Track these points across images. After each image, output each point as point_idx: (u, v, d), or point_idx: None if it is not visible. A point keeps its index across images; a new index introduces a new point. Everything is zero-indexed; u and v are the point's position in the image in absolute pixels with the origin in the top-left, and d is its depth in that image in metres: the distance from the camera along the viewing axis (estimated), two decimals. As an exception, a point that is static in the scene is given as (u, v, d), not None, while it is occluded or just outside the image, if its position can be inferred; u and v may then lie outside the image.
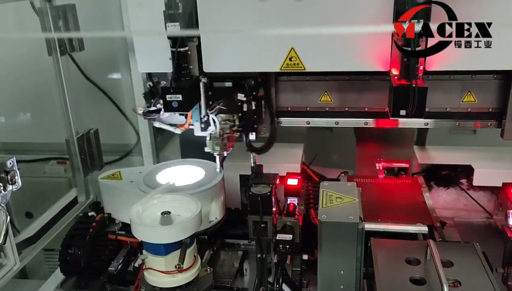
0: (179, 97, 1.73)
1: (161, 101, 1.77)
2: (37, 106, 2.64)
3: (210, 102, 1.92)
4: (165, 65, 1.82)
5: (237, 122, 1.93)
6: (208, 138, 1.91)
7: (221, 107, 1.89)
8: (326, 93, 1.99)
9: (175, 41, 1.71)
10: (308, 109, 2.04)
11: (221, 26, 1.74)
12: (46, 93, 2.44)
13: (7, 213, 1.32)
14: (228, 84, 1.89)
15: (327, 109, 2.01)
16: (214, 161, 2.01)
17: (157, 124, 1.95)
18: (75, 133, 2.27)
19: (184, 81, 1.78)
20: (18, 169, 1.38)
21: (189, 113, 1.92)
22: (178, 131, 1.99)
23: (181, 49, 1.73)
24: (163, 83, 1.80)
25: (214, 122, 1.87)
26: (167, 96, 1.73)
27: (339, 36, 1.70)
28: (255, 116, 1.95)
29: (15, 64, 2.58)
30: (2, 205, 1.30)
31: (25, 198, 2.48)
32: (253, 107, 1.92)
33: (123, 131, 2.76)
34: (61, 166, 2.77)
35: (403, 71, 1.64)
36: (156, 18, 1.72)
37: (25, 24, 2.49)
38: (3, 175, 1.29)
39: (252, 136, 1.99)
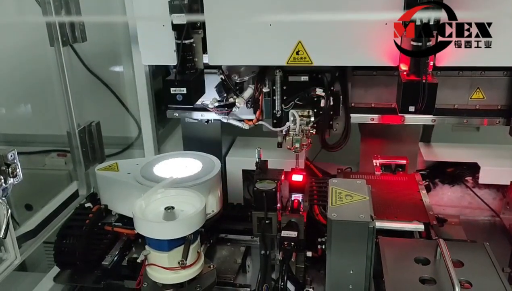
0: (184, 90, 1.71)
1: (234, 95, 1.78)
2: (38, 98, 2.61)
3: (285, 97, 1.89)
4: (169, 58, 1.79)
5: (312, 118, 1.88)
6: (282, 134, 1.88)
7: (297, 102, 1.85)
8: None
9: (180, 33, 1.68)
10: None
11: (227, 18, 1.71)
12: (48, 84, 2.41)
13: (8, 207, 1.29)
14: (304, 78, 1.85)
15: (332, 104, 1.99)
16: (214, 154, 1.99)
17: (224, 119, 1.92)
18: (76, 125, 2.24)
19: (189, 74, 1.75)
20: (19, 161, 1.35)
21: (259, 108, 1.90)
22: (246, 126, 1.96)
23: (186, 42, 1.70)
24: (234, 77, 1.80)
25: (294, 118, 1.81)
26: (171, 89, 1.70)
27: (347, 30, 1.67)
28: (331, 112, 1.91)
29: (16, 55, 2.54)
30: (3, 198, 1.27)
31: (25, 190, 2.46)
32: (331, 103, 1.88)
33: (124, 124, 2.73)
34: (61, 159, 2.75)
35: (412, 66, 1.61)
36: (161, 9, 1.69)
37: (26, 14, 2.46)
38: (4, 168, 1.26)
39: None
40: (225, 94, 1.88)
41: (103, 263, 1.78)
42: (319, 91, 1.84)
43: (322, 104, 1.86)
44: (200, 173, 1.86)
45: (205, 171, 1.86)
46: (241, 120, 1.99)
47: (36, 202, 2.49)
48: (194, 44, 1.74)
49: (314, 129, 1.92)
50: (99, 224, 1.91)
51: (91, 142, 2.32)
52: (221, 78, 1.74)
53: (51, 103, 2.41)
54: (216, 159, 1.95)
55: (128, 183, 1.83)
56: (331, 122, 1.96)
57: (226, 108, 1.75)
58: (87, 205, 1.99)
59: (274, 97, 1.91)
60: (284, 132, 1.93)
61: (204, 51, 1.79)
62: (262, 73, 1.89)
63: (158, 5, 1.71)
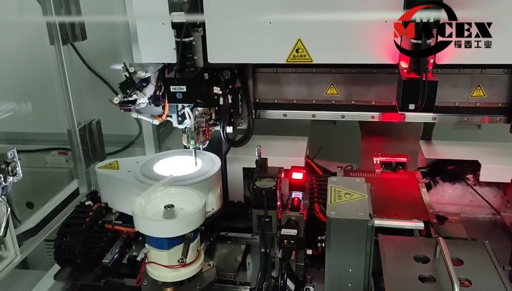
0: (183, 88, 1.70)
1: (138, 91, 1.74)
2: (39, 96, 2.60)
3: None
4: (169, 56, 1.79)
5: (214, 116, 1.90)
6: (183, 131, 1.89)
7: (197, 101, 1.85)
8: (332, 86, 1.97)
9: (180, 31, 1.67)
10: (313, 102, 2.01)
11: (226, 16, 1.70)
12: (48, 83, 2.41)
13: (7, 205, 1.29)
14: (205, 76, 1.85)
15: (333, 102, 1.99)
16: (215, 152, 1.99)
17: (134, 115, 1.90)
18: (77, 124, 2.24)
19: (189, 72, 1.74)
20: (19, 159, 1.35)
21: (166, 105, 1.88)
22: (156, 122, 1.96)
23: (186, 40, 1.70)
24: (140, 74, 1.75)
25: (189, 116, 1.83)
26: (171, 87, 1.70)
27: (347, 28, 1.66)
28: (232, 110, 1.93)
29: (16, 53, 2.54)
30: (3, 197, 1.27)
31: (26, 188, 2.46)
32: (230, 101, 1.89)
33: (125, 122, 2.73)
34: (62, 157, 2.75)
35: (412, 64, 1.61)
36: (161, 7, 1.68)
37: (26, 13, 2.45)
38: (3, 166, 1.26)
39: (229, 129, 1.97)
40: (128, 91, 1.80)
41: (103, 261, 1.77)
42: (216, 90, 1.84)
43: (220, 102, 1.87)
44: (200, 171, 1.86)
45: (205, 169, 1.86)
46: (152, 116, 1.97)
47: (38, 200, 2.49)
48: (193, 42, 1.74)
49: (216, 126, 1.93)
50: (100, 222, 1.91)
51: (92, 140, 2.33)
52: (125, 75, 1.74)
53: (51, 101, 2.40)
54: (216, 157, 1.95)
55: (128, 181, 1.83)
56: (232, 120, 1.95)
57: (129, 104, 1.74)
58: (87, 203, 1.99)
59: None
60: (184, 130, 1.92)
61: (204, 49, 1.78)
62: (163, 71, 1.87)
63: (158, 3, 1.70)
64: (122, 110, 1.76)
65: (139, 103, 1.75)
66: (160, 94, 1.85)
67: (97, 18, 2.35)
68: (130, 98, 1.73)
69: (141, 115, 1.93)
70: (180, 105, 1.91)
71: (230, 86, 1.89)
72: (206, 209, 1.78)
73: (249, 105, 2.00)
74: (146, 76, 1.78)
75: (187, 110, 1.84)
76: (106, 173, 1.93)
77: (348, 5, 1.62)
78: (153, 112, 1.94)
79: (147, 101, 1.78)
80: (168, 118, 1.96)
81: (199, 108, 1.88)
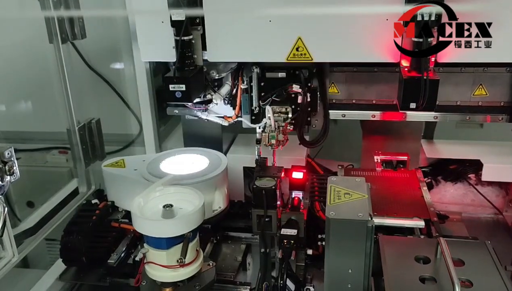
0: (183, 87, 1.69)
1: (211, 92, 1.79)
2: (39, 95, 2.59)
3: (262, 94, 1.89)
4: (168, 54, 1.78)
5: (290, 115, 1.88)
6: (260, 131, 1.88)
7: (274, 99, 1.85)
8: (333, 84, 1.95)
9: (179, 30, 1.66)
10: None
11: (226, 14, 1.69)
12: (48, 82, 2.41)
13: (4, 205, 1.27)
14: (282, 74, 1.85)
15: (334, 101, 1.98)
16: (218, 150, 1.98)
17: (204, 116, 1.93)
18: (76, 122, 2.23)
19: (188, 71, 1.73)
20: (18, 158, 1.34)
21: (238, 105, 1.90)
22: (225, 123, 1.96)
23: (185, 38, 1.69)
24: (212, 74, 1.80)
25: (270, 113, 1.82)
26: (170, 86, 1.69)
27: (347, 26, 1.65)
28: (309, 109, 1.91)
29: (16, 52, 2.53)
30: (0, 196, 1.26)
31: (27, 187, 2.46)
32: (308, 99, 1.87)
33: (125, 122, 2.72)
34: (62, 156, 2.74)
35: (413, 63, 1.60)
36: (160, 5, 1.67)
37: (25, 10, 2.45)
38: (0, 165, 1.25)
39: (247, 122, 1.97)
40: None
41: (108, 261, 1.76)
42: (296, 88, 1.84)
43: (299, 101, 1.86)
44: (207, 169, 1.86)
45: (212, 167, 1.86)
46: (221, 117, 1.99)
47: (38, 199, 2.49)
48: (193, 41, 1.73)
49: (292, 126, 1.91)
50: (106, 220, 1.91)
51: (91, 139, 2.32)
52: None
53: (51, 100, 2.40)
54: (223, 155, 1.95)
55: (134, 180, 1.83)
56: (309, 119, 1.94)
57: (203, 105, 1.74)
58: (93, 201, 1.99)
59: (252, 94, 1.90)
60: (261, 129, 1.90)
61: (204, 47, 1.77)
62: (239, 70, 1.89)
63: (157, 1, 1.70)
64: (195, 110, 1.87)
65: (215, 103, 1.83)
66: (234, 94, 1.90)
67: (96, 14, 2.34)
68: (204, 99, 1.79)
69: (210, 116, 1.96)
70: (255, 104, 1.91)
71: (309, 84, 1.87)
72: (213, 208, 1.79)
73: (325, 105, 1.95)
74: (220, 77, 1.84)
75: (267, 108, 1.83)
76: (112, 171, 1.93)
77: (349, 3, 1.61)
78: (222, 113, 1.98)
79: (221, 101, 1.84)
80: (240, 119, 1.97)
81: (274, 107, 1.87)
